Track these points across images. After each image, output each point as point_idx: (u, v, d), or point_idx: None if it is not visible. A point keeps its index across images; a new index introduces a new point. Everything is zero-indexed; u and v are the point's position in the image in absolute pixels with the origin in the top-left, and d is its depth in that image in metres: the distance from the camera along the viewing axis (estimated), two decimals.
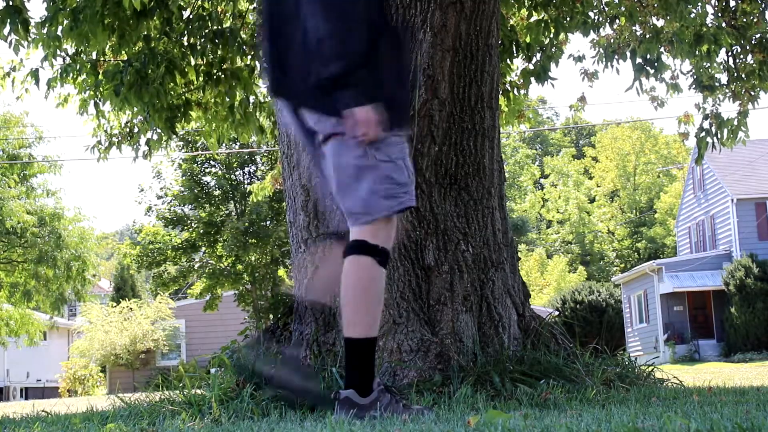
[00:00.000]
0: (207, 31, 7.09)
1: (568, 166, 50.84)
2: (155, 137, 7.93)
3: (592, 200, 50.62)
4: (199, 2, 7.44)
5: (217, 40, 7.10)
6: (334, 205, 3.23)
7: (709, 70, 8.37)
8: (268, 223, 23.31)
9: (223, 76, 7.39)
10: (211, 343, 22.70)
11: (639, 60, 8.03)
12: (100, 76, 7.05)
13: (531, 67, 8.02)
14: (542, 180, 54.49)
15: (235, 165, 24.47)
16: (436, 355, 3.86)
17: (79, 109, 7.64)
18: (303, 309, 4.12)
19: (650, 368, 4.66)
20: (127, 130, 8.17)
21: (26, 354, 27.85)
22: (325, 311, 4.04)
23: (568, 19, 7.69)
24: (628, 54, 8.15)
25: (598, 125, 52.79)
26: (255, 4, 7.96)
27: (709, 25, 8.08)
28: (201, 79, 7.45)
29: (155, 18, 6.73)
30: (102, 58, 7.18)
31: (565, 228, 49.74)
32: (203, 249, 24.09)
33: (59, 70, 7.19)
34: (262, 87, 8.21)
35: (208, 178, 24.64)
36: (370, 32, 2.89)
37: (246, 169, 24.83)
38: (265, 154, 23.74)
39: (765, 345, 25.26)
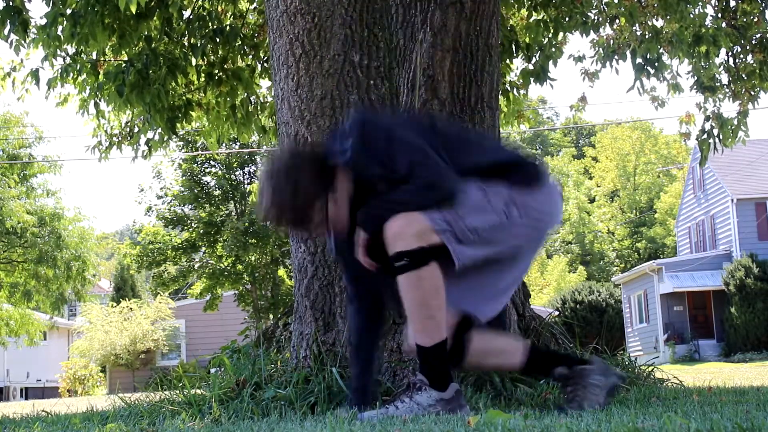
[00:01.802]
0: (207, 30, 7.09)
1: (568, 166, 50.84)
2: (156, 137, 7.93)
3: (592, 200, 50.62)
4: (200, 2, 7.43)
5: (217, 39, 7.10)
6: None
7: (709, 70, 8.38)
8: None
9: (224, 76, 7.39)
10: (211, 343, 22.67)
11: (639, 60, 8.03)
12: (101, 77, 7.05)
13: (530, 67, 8.02)
14: None
15: (235, 165, 24.48)
16: None
17: (79, 108, 7.64)
18: (303, 309, 4.12)
19: (650, 368, 4.67)
20: (128, 129, 8.17)
21: (26, 354, 27.84)
22: (325, 311, 4.04)
23: (567, 19, 7.69)
24: (628, 54, 8.15)
25: (598, 125, 52.81)
26: (255, 4, 7.97)
27: (709, 25, 8.08)
28: (202, 79, 7.44)
29: (155, 18, 6.73)
30: (102, 58, 7.18)
31: (565, 228, 49.74)
32: (203, 249, 24.09)
33: (59, 70, 7.19)
34: (262, 87, 8.21)
35: (208, 178, 24.65)
36: None
37: (246, 169, 24.84)
38: (265, 154, 23.74)
39: (765, 345, 25.26)
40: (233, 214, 24.28)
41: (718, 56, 8.21)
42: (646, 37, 7.95)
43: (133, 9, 5.88)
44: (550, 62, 7.95)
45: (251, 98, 7.84)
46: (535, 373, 3.40)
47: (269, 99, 8.23)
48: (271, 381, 3.72)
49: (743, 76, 8.47)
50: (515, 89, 8.27)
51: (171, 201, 24.38)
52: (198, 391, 3.78)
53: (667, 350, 27.52)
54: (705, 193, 31.17)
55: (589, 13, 7.94)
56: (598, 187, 50.83)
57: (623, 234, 49.01)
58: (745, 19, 8.21)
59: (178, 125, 7.57)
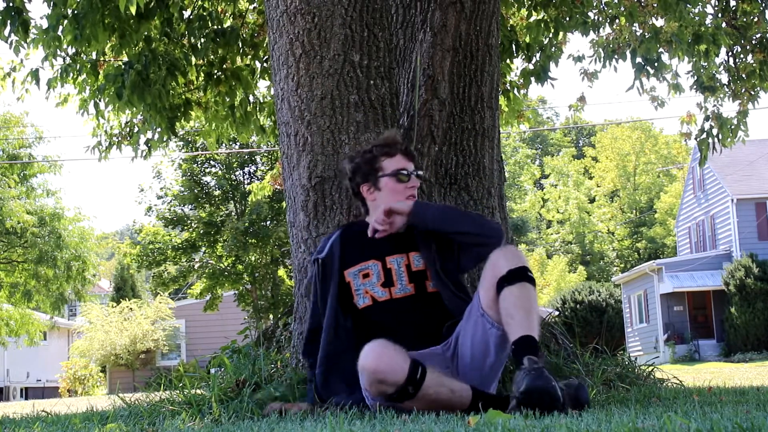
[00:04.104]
0: (207, 31, 7.09)
1: (568, 166, 50.85)
2: (155, 137, 7.93)
3: (592, 200, 50.63)
4: (200, 2, 7.44)
5: (217, 39, 7.10)
6: None
7: (709, 70, 8.38)
8: (268, 223, 23.30)
9: (223, 76, 7.39)
10: (211, 343, 22.66)
11: (639, 60, 8.03)
12: (101, 78, 7.04)
13: (531, 67, 8.02)
14: (542, 180, 54.50)
15: (235, 165, 24.47)
16: None
17: (79, 108, 7.64)
18: (303, 309, 4.11)
19: (650, 368, 4.67)
20: (127, 129, 8.17)
21: (26, 354, 27.84)
22: None
23: (567, 19, 7.69)
24: (628, 54, 8.15)
25: (598, 125, 52.82)
26: (255, 4, 7.97)
27: (709, 25, 8.08)
28: (201, 79, 7.45)
29: (155, 18, 6.73)
30: (102, 58, 7.18)
31: (565, 228, 49.75)
32: (203, 249, 24.09)
33: (59, 70, 7.19)
34: (261, 87, 8.20)
35: (208, 178, 24.65)
36: None
37: (246, 169, 24.83)
38: (265, 154, 23.74)
39: (765, 345, 25.26)
40: (233, 214, 24.28)
41: (718, 56, 8.22)
42: (646, 36, 7.96)
43: (133, 10, 5.88)
44: (551, 62, 7.96)
45: (250, 98, 7.84)
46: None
47: (268, 99, 8.23)
48: (271, 381, 3.72)
49: (743, 76, 8.47)
50: (515, 89, 8.27)
51: (171, 201, 24.38)
52: (198, 391, 3.78)
53: (667, 350, 27.52)
54: (705, 193, 31.17)
55: (589, 13, 7.94)
56: (598, 187, 50.84)
57: (623, 234, 49.02)
58: (745, 19, 8.21)
59: (178, 125, 7.57)
